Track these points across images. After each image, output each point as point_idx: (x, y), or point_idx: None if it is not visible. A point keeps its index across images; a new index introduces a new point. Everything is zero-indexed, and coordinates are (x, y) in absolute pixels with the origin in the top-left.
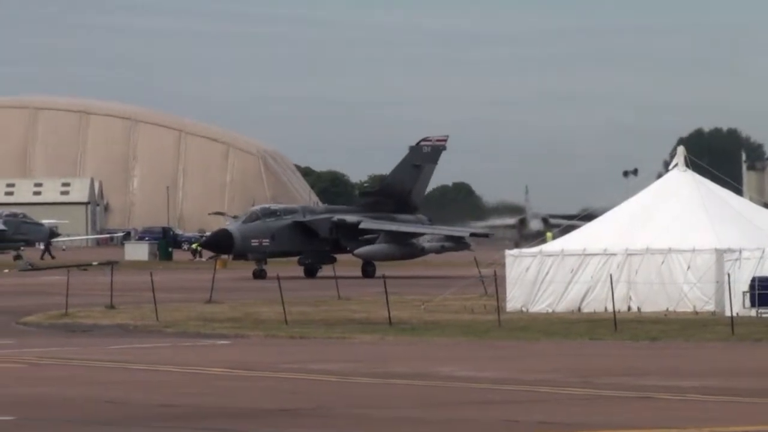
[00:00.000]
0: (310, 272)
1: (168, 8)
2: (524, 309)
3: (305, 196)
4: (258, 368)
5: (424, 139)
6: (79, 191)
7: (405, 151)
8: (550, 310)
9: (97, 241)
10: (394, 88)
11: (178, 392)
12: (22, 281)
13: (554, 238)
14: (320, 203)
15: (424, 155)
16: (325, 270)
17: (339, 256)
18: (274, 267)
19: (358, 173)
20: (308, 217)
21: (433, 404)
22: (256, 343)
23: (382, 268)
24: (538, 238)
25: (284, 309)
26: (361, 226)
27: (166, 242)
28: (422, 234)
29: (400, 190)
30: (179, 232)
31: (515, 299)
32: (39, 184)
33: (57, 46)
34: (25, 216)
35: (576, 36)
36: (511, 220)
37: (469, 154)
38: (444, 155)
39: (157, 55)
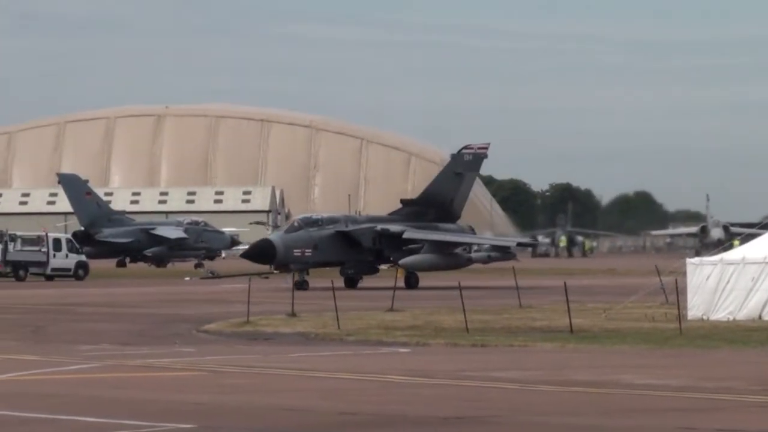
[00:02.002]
0: (351, 283)
1: (349, 18)
2: (705, 317)
3: (486, 205)
4: (438, 376)
5: (465, 147)
6: (260, 200)
7: (586, 159)
8: (731, 318)
9: None
10: (578, 97)
11: (358, 400)
12: (203, 289)
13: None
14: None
15: (465, 163)
16: (367, 281)
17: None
18: (314, 278)
19: (539, 182)
20: (351, 227)
21: (612, 412)
22: (436, 351)
23: (427, 279)
24: (719, 246)
25: (465, 317)
26: (405, 235)
27: None
28: (467, 243)
29: (442, 199)
30: None
31: (696, 307)
32: (220, 192)
33: (238, 55)
34: (206, 224)
35: (754, 46)
36: (691, 229)
37: (650, 163)
38: (625, 164)
39: (338, 65)
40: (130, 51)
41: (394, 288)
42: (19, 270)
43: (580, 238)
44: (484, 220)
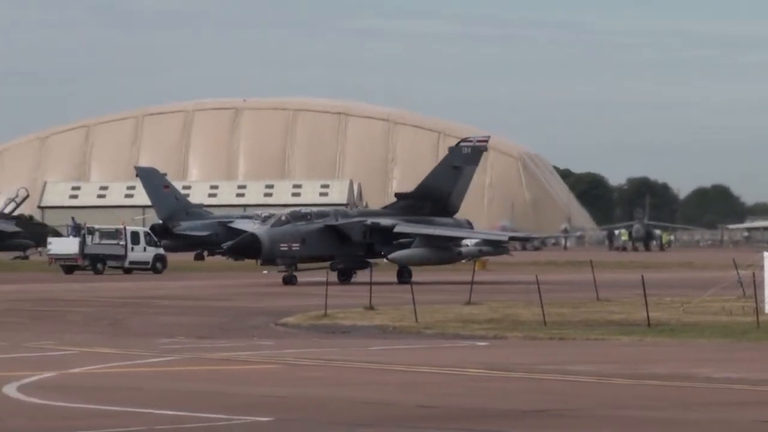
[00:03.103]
0: (345, 277)
1: (428, 11)
2: None
3: (564, 199)
4: (516, 369)
5: (464, 140)
6: (338, 193)
7: (664, 153)
8: None
9: None
10: (656, 90)
11: (435, 393)
12: (281, 281)
13: None
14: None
15: (464, 156)
16: (361, 276)
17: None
18: (305, 272)
19: (617, 175)
20: (341, 221)
21: (690, 405)
22: (514, 345)
23: (422, 273)
24: None
25: (543, 310)
26: (396, 229)
27: None
28: (460, 238)
29: (439, 193)
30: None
31: None
32: (298, 186)
33: (316, 48)
34: None
35: None
36: None
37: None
38: (703, 157)
39: (415, 58)
40: (209, 44)
41: (472, 281)
42: (97, 263)
43: (657, 232)
44: (561, 213)
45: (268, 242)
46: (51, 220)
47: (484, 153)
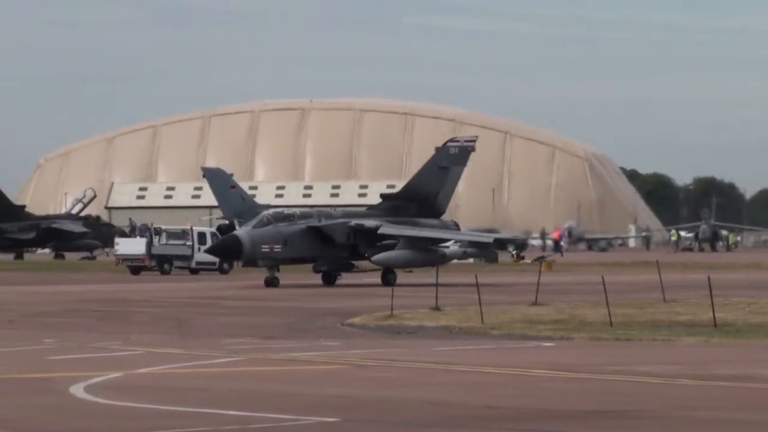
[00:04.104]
0: (329, 280)
1: (495, 11)
2: None
3: (631, 199)
4: (582, 370)
5: (451, 140)
6: None
7: (730, 152)
8: None
9: None
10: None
11: (500, 394)
12: (346, 282)
13: None
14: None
15: (451, 157)
16: (345, 278)
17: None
18: (287, 274)
19: (682, 175)
20: (323, 222)
21: (756, 407)
22: (580, 345)
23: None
24: None
25: (609, 311)
26: (380, 231)
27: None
28: (445, 240)
29: (425, 194)
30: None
31: None
32: (364, 186)
33: (382, 48)
34: None
35: None
36: None
37: None
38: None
39: (482, 58)
40: (275, 44)
41: (538, 282)
42: (164, 264)
43: (723, 232)
44: (627, 214)
45: (249, 244)
46: (118, 220)
47: (551, 153)
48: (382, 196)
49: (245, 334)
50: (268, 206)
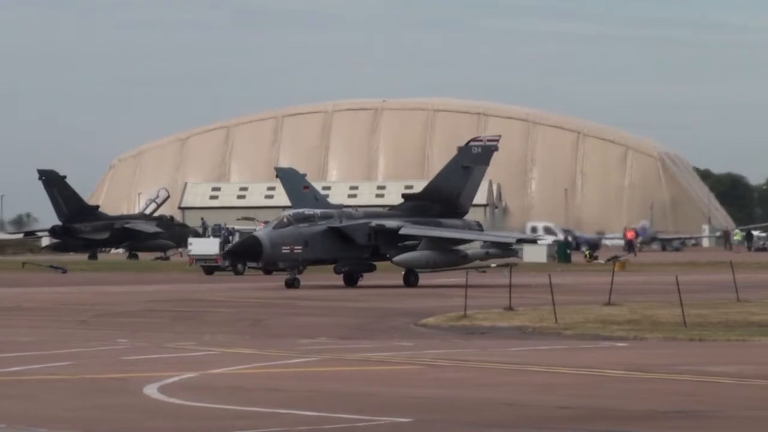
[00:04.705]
0: (351, 281)
1: (566, 12)
2: None
3: (704, 199)
4: (655, 370)
5: (474, 140)
6: (478, 193)
7: None
8: None
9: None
10: None
11: (574, 394)
12: (420, 282)
13: None
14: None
15: (474, 156)
16: (368, 278)
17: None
18: (309, 275)
19: (756, 175)
20: (344, 223)
21: None
22: (654, 346)
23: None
24: None
25: (683, 311)
26: (402, 231)
27: (565, 244)
28: (467, 240)
29: (448, 194)
30: (578, 234)
31: None
32: None
33: (454, 48)
34: None
35: None
36: None
37: None
38: None
39: (553, 58)
40: (347, 45)
41: (612, 282)
42: (237, 264)
43: None
44: (701, 214)
45: (269, 245)
46: (191, 220)
47: (624, 153)
48: (404, 196)
49: (319, 334)
50: (341, 206)
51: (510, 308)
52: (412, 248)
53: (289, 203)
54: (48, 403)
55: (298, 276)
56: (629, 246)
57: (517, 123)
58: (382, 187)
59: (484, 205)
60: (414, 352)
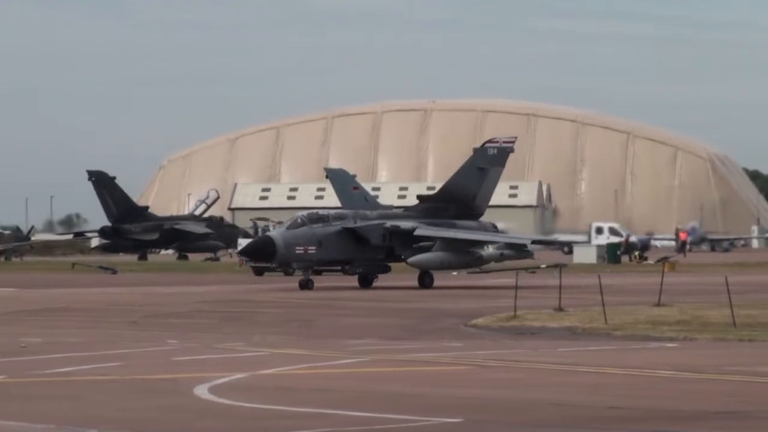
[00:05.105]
0: (365, 282)
1: (616, 13)
2: None
3: (753, 200)
4: (705, 371)
5: (489, 141)
6: (527, 194)
7: None
8: None
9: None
10: None
11: (624, 395)
12: (471, 283)
13: None
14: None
15: (489, 158)
16: (383, 279)
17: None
18: (326, 277)
19: None
20: (359, 223)
21: None
22: (703, 346)
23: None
24: None
25: (732, 312)
26: (417, 232)
27: (614, 245)
28: (483, 241)
29: (464, 195)
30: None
31: None
32: None
33: (504, 49)
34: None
35: None
36: None
37: None
38: None
39: (603, 59)
40: (397, 45)
41: (661, 283)
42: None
43: None
44: (750, 215)
45: (282, 245)
46: (241, 221)
47: (674, 154)
48: (419, 197)
49: (368, 334)
50: (391, 207)
51: (560, 309)
52: (427, 249)
53: (339, 204)
54: (97, 403)
55: (311, 277)
56: (682, 246)
57: (566, 124)
58: (432, 188)
59: (534, 206)
60: (463, 352)
